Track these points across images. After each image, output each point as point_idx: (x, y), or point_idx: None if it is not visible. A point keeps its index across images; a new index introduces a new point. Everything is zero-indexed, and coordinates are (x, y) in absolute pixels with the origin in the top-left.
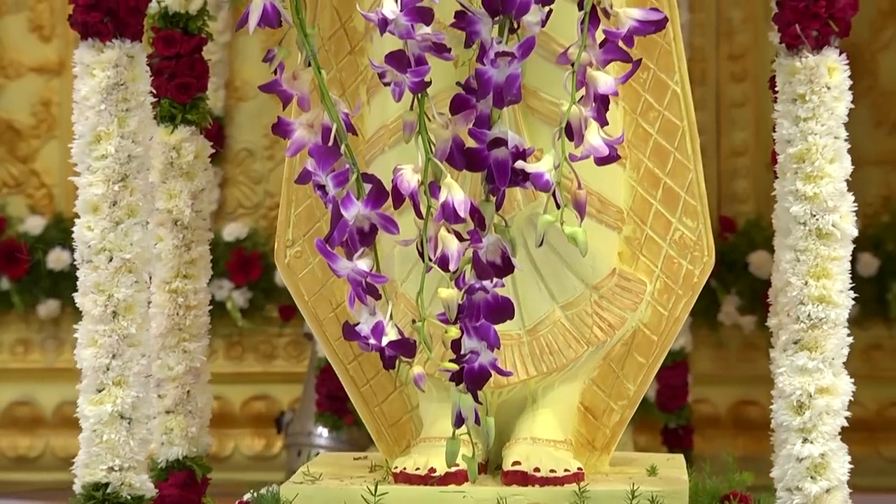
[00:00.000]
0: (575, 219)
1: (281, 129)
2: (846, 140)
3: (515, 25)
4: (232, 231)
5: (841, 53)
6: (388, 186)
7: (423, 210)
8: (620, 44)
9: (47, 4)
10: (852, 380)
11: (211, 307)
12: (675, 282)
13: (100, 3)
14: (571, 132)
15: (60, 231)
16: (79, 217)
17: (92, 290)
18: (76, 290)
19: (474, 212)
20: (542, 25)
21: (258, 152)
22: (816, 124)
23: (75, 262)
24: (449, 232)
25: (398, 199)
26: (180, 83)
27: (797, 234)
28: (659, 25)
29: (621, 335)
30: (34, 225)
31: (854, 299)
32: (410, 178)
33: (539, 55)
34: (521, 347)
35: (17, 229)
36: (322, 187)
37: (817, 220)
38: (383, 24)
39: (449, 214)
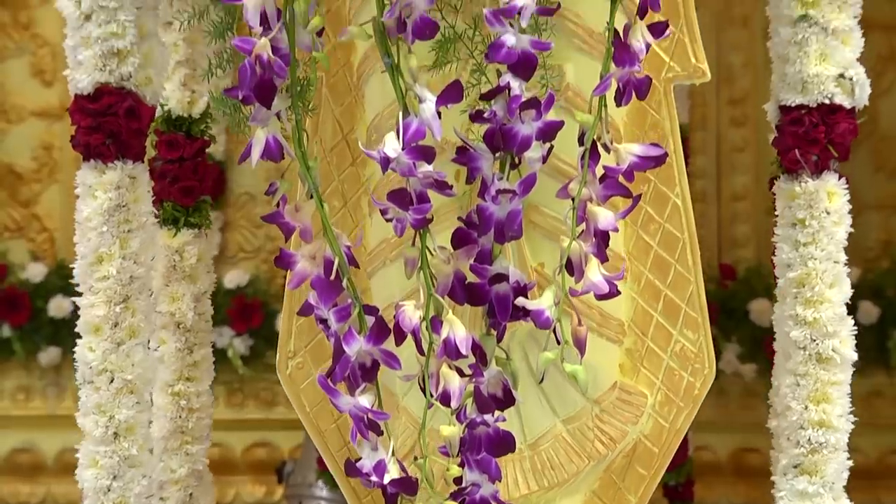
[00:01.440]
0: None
1: (283, 261)
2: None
3: (517, 161)
4: (233, 278)
5: (840, 178)
6: (390, 300)
7: (425, 347)
8: (621, 179)
9: (49, 49)
10: (853, 425)
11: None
12: (676, 394)
13: (102, 125)
14: (572, 268)
15: (62, 278)
16: (80, 337)
17: (93, 410)
18: (77, 338)
19: (476, 347)
20: (544, 161)
21: (259, 196)
22: (816, 249)
23: (76, 310)
24: (451, 368)
25: (400, 335)
26: (183, 186)
27: (797, 359)
28: (659, 161)
29: (622, 447)
30: (35, 272)
31: (855, 346)
32: (412, 315)
33: (541, 170)
34: (522, 462)
35: (19, 276)
36: (324, 321)
37: (817, 344)
38: (385, 162)
39: (451, 351)
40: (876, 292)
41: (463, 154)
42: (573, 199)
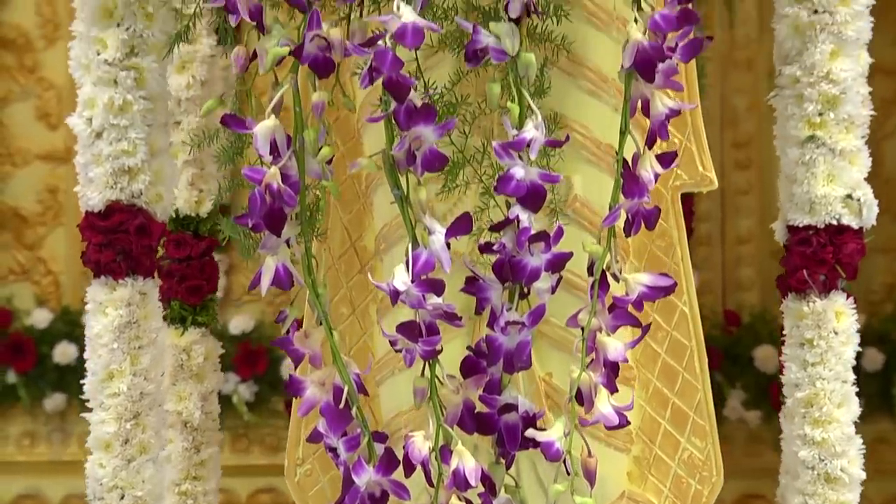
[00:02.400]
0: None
1: (293, 387)
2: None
3: (526, 291)
4: (238, 324)
5: (848, 297)
6: (398, 410)
7: (434, 478)
8: (630, 309)
9: (55, 93)
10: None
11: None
12: (683, 502)
13: (113, 242)
14: (582, 398)
15: (67, 324)
16: (91, 454)
17: None
18: (82, 384)
19: (485, 478)
20: (553, 292)
21: None
22: (824, 369)
23: (81, 357)
24: (460, 500)
25: (409, 467)
26: (191, 286)
27: (805, 479)
28: (668, 291)
29: None
30: (41, 318)
31: (858, 394)
32: (422, 446)
33: None
34: None
35: (24, 322)
36: (333, 449)
37: (825, 465)
38: (395, 295)
39: (460, 482)
40: (881, 339)
41: (472, 284)
42: (583, 329)
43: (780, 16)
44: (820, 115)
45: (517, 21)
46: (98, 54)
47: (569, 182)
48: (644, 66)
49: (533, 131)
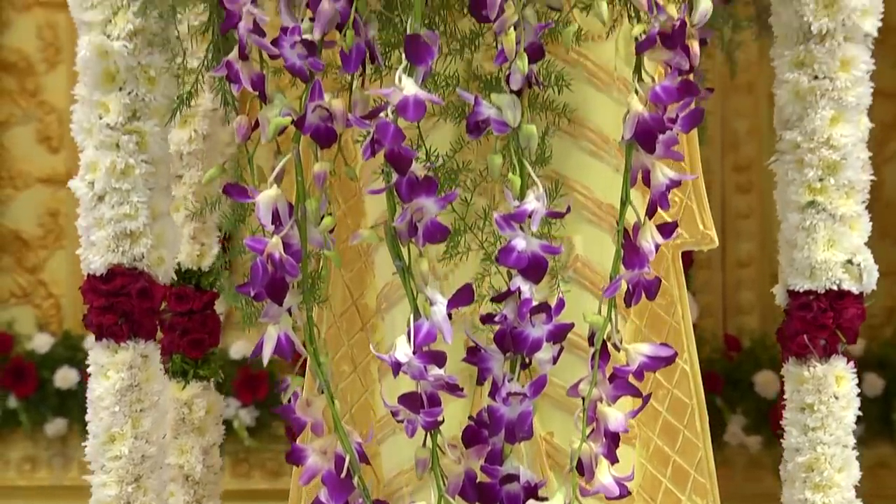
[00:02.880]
0: None
1: (294, 456)
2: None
3: (527, 361)
4: (239, 349)
5: (848, 362)
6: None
7: None
8: (631, 379)
9: (56, 116)
10: (859, 500)
11: None
12: None
13: (114, 305)
14: (582, 468)
15: (68, 349)
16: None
17: None
18: (83, 409)
19: None
20: (554, 363)
21: None
22: (825, 434)
23: (82, 382)
24: None
25: None
26: (193, 339)
27: None
28: (669, 361)
29: None
30: (42, 343)
31: (858, 419)
32: None
33: None
34: None
35: (25, 346)
36: None
37: None
38: (396, 366)
39: None
40: (880, 363)
41: (473, 354)
42: (583, 400)
43: (781, 81)
44: (820, 180)
45: (518, 92)
46: (100, 118)
47: (570, 242)
48: (645, 137)
49: (534, 202)
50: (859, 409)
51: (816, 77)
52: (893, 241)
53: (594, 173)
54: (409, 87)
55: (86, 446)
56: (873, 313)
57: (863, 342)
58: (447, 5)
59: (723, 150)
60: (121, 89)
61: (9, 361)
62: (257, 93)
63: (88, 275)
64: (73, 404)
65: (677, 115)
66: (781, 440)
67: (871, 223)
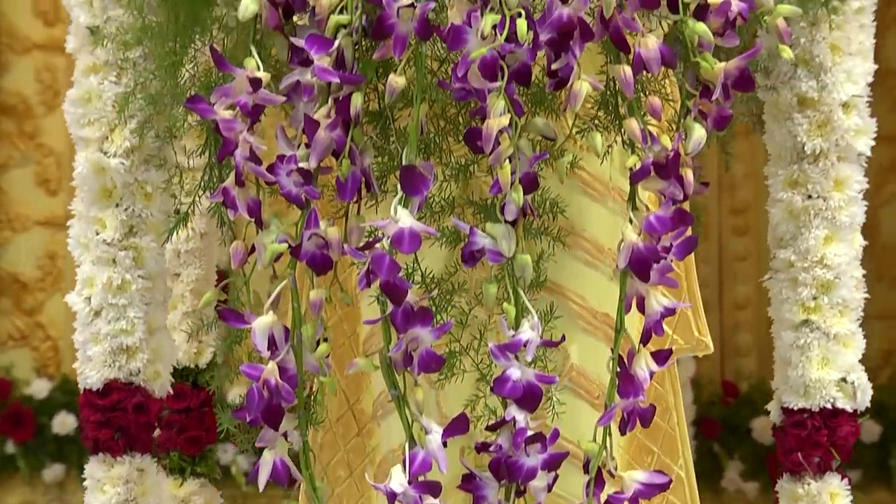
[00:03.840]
0: None
1: None
2: None
3: (522, 489)
4: (237, 394)
5: (843, 479)
6: None
7: None
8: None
9: (54, 159)
10: None
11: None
12: None
13: (111, 420)
14: None
15: (66, 394)
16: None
17: None
18: (81, 455)
19: None
20: (549, 490)
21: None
22: None
23: (80, 427)
24: None
25: None
26: (190, 437)
27: None
28: (663, 488)
29: None
30: (40, 388)
31: (856, 464)
32: None
33: None
34: None
35: (23, 392)
36: None
37: None
38: (391, 496)
39: None
40: (878, 410)
41: (468, 482)
42: None
43: (775, 200)
44: (814, 299)
45: (513, 222)
46: (97, 234)
47: (565, 351)
48: (639, 266)
49: (529, 332)
50: (857, 454)
51: (810, 196)
52: (889, 283)
53: (589, 282)
54: (404, 219)
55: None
56: (870, 356)
57: None
58: (442, 132)
59: (719, 193)
60: (117, 205)
61: (7, 407)
62: (253, 219)
63: (85, 389)
64: (70, 450)
65: (671, 244)
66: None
67: (867, 266)
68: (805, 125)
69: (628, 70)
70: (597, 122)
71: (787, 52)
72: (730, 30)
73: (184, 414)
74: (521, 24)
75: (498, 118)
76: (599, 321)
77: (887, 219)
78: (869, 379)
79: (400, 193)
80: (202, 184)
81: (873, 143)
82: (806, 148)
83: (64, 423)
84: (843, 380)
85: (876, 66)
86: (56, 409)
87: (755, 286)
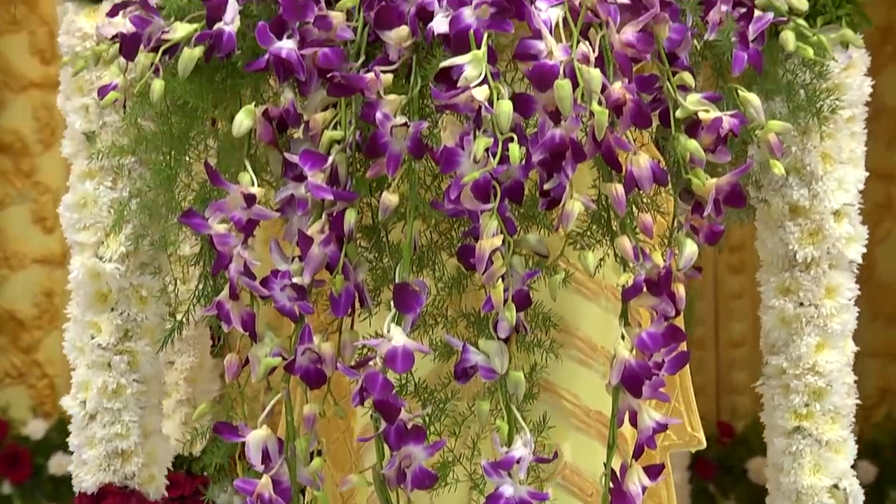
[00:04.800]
0: None
1: None
2: None
3: None
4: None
5: None
6: None
7: None
8: None
9: (51, 196)
10: None
11: None
12: None
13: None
14: None
15: (62, 434)
16: None
17: None
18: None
19: None
20: None
21: None
22: None
23: None
24: None
25: None
26: None
27: None
28: None
29: None
30: (36, 429)
31: None
32: None
33: None
34: None
35: (20, 432)
36: None
37: None
38: None
39: None
40: (874, 452)
41: None
42: None
43: (767, 307)
44: (806, 405)
45: (506, 339)
46: (92, 338)
47: (558, 450)
48: (631, 382)
49: (522, 449)
50: None
51: (802, 304)
52: (885, 321)
53: (582, 381)
54: (397, 338)
55: None
56: (866, 394)
57: (854, 427)
58: (435, 246)
59: None
60: (113, 310)
61: (3, 447)
62: (247, 333)
63: (80, 493)
64: (67, 491)
65: (663, 360)
66: None
67: (863, 304)
68: (797, 233)
69: (620, 188)
70: (589, 234)
71: (778, 168)
72: (721, 146)
73: (178, 502)
74: (514, 148)
75: (491, 239)
76: (593, 419)
77: (883, 257)
78: (864, 418)
79: (393, 311)
80: (196, 293)
81: (866, 185)
82: (797, 256)
83: (60, 463)
84: (836, 486)
85: (871, 103)
86: (52, 450)
87: (751, 324)
